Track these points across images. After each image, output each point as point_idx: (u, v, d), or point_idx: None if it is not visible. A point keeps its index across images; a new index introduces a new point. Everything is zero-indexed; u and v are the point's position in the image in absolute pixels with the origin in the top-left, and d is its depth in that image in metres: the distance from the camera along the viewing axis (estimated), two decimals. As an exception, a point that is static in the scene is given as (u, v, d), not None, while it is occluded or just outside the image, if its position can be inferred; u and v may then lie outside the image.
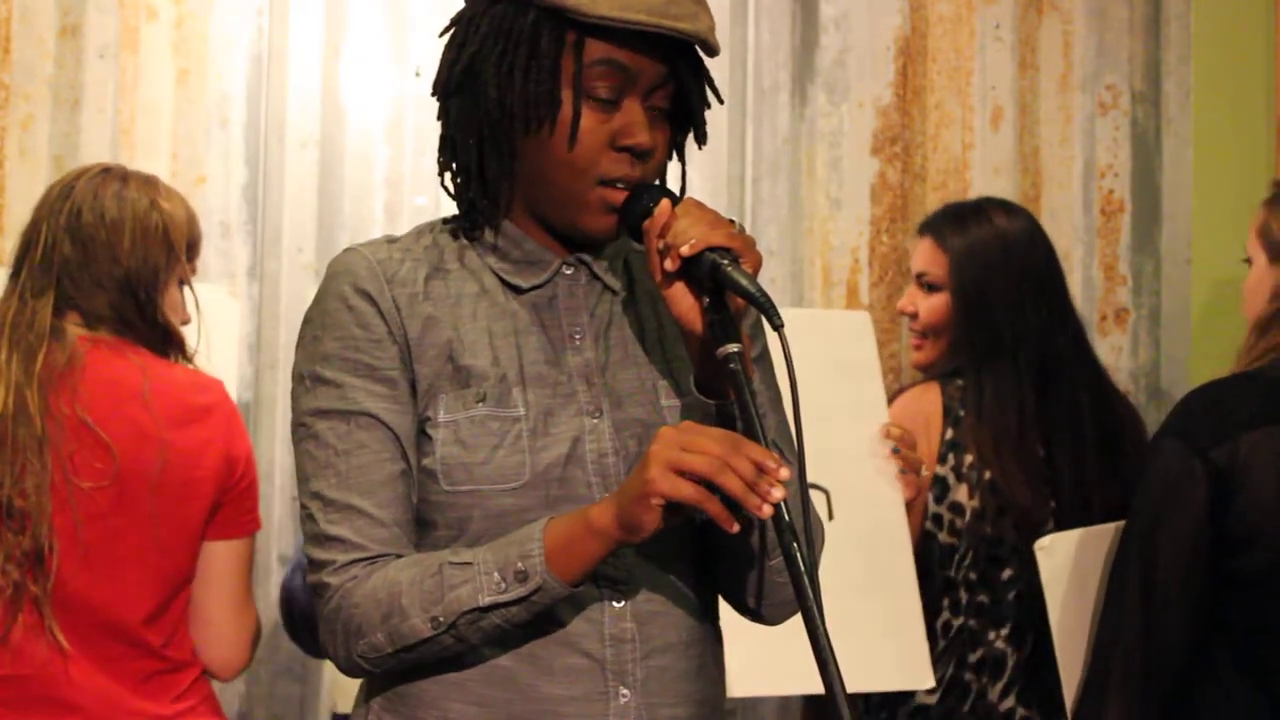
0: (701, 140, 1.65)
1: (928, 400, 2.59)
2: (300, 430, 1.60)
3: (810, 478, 2.47)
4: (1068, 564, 2.31)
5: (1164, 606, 2.12)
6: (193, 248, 2.36)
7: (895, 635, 2.48)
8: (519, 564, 1.48)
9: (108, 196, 2.26)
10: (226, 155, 3.14)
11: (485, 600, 1.48)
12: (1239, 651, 2.14)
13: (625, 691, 1.55)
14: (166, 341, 2.29)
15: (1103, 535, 2.33)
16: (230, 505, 2.28)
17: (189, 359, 2.32)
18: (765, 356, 1.68)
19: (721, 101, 1.65)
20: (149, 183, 2.32)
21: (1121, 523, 2.31)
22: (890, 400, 2.69)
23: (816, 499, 2.49)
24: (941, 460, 2.55)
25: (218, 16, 3.14)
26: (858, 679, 2.54)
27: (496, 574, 1.48)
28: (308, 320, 1.62)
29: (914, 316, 2.74)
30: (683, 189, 1.63)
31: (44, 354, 2.18)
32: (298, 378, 1.61)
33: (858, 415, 2.57)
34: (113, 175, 2.30)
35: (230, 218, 3.14)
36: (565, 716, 1.54)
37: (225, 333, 2.70)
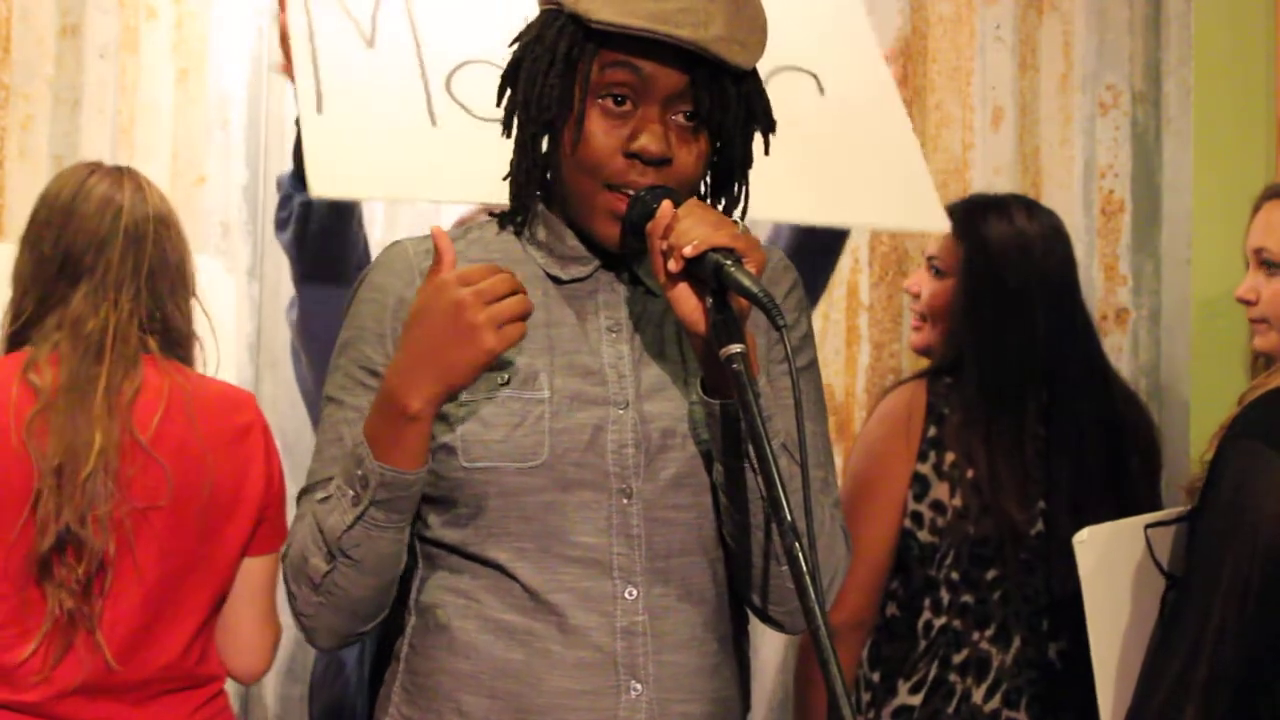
0: (729, 159, 1.63)
1: (913, 396, 2.58)
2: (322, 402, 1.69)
3: (798, 63, 2.45)
4: (1106, 558, 2.27)
5: (1260, 610, 2.07)
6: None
7: (901, 179, 2.44)
8: (358, 471, 1.54)
9: (154, 197, 2.23)
10: (226, 155, 3.14)
11: (349, 518, 1.54)
12: None
13: (637, 685, 1.56)
14: (188, 344, 2.25)
15: (1134, 529, 2.30)
16: (269, 521, 2.26)
17: (192, 361, 2.27)
18: (811, 367, 1.72)
19: (751, 115, 1.62)
20: (148, 182, 2.29)
21: (1145, 517, 2.29)
22: (880, 397, 2.69)
23: (805, 82, 2.44)
24: (922, 458, 2.53)
25: (218, 17, 3.14)
26: (869, 212, 2.45)
27: (349, 490, 1.54)
28: (346, 303, 1.68)
29: (917, 297, 2.73)
30: (744, 213, 1.64)
31: (112, 371, 2.12)
32: (334, 356, 1.68)
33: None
34: (126, 175, 2.25)
35: (230, 218, 3.14)
36: (576, 710, 1.55)
37: (223, 310, 2.68)
